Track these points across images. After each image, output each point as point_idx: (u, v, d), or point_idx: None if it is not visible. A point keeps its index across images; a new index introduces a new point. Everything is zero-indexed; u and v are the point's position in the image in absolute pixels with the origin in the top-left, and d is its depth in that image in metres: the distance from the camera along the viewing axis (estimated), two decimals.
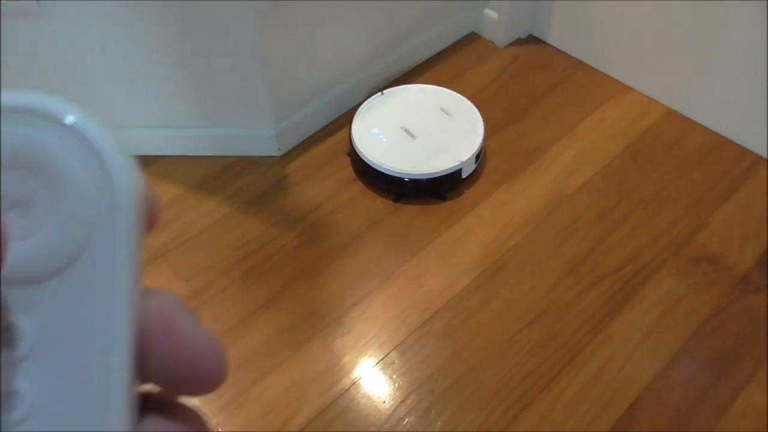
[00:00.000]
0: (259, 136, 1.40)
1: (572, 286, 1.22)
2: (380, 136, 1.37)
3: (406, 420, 1.06)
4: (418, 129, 1.39)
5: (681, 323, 1.17)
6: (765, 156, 1.41)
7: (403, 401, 1.08)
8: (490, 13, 1.65)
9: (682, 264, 1.25)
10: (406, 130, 1.38)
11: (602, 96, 1.55)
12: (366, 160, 1.33)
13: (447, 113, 1.42)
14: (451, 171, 1.32)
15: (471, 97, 1.46)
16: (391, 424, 1.05)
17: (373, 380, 1.11)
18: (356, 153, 1.35)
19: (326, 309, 1.19)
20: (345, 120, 1.49)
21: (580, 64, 1.63)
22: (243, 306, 1.20)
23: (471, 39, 1.71)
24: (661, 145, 1.45)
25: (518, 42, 1.70)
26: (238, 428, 1.05)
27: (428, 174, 1.31)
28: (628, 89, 1.56)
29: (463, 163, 1.32)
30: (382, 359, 1.13)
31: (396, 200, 1.35)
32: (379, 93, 1.46)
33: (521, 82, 1.60)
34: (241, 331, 1.17)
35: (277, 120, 1.38)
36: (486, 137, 1.38)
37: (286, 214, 1.34)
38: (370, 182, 1.37)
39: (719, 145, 1.44)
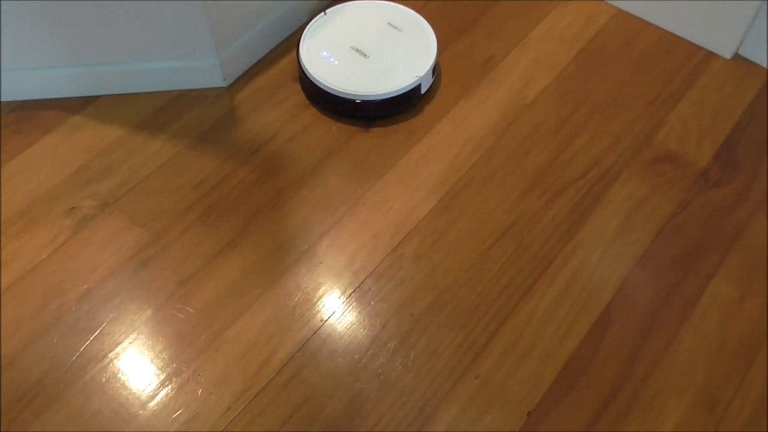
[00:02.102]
0: (201, 67, 1.31)
1: (539, 197, 1.22)
2: (331, 59, 1.31)
3: (389, 344, 1.05)
4: (369, 47, 1.33)
5: (646, 223, 1.19)
6: (715, 51, 1.41)
7: (383, 327, 1.07)
8: None
9: (642, 165, 1.26)
10: (357, 50, 1.32)
11: (550, 2, 1.51)
12: (320, 85, 1.27)
13: (396, 28, 1.36)
14: (411, 87, 1.27)
15: (417, 11, 1.39)
16: (374, 350, 1.05)
17: (351, 309, 1.09)
18: (308, 78, 1.29)
19: (294, 242, 1.16)
20: (291, 43, 1.42)
21: None
22: (206, 247, 1.15)
23: None
24: (613, 47, 1.44)
25: None
26: (219, 371, 1.02)
27: (388, 93, 1.26)
28: None
29: (421, 77, 1.28)
30: (357, 287, 1.11)
31: (366, 126, 1.30)
32: (322, 13, 1.38)
33: None
34: (208, 273, 1.12)
35: (220, 47, 1.30)
36: (438, 52, 1.34)
37: (240, 147, 1.27)
38: (325, 108, 1.31)
39: (670, 43, 1.44)
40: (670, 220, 1.19)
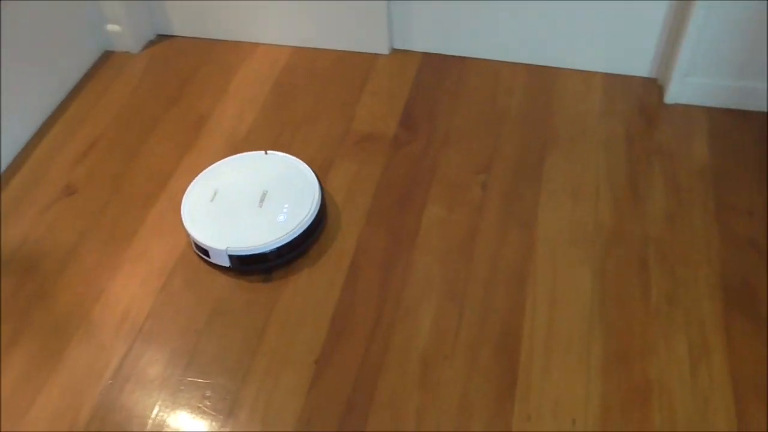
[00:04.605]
0: None
1: None
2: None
3: (181, 362, 1.16)
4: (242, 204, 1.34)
5: (365, 187, 1.42)
6: (376, 52, 1.73)
7: (172, 351, 1.18)
8: (113, 27, 1.77)
9: (348, 149, 1.51)
10: (258, 199, 1.35)
11: (238, 58, 1.77)
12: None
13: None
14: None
15: (126, 101, 1.57)
16: (169, 371, 1.15)
17: (137, 351, 1.18)
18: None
19: (70, 318, 1.24)
20: (15, 165, 1.52)
21: (209, 41, 1.82)
22: None
23: (108, 57, 1.81)
24: (299, 75, 1.71)
25: (150, 44, 1.84)
26: None
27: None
28: (255, 45, 1.80)
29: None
30: (139, 330, 1.21)
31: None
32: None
33: (167, 75, 1.75)
34: None
35: None
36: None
37: None
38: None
39: (341, 58, 1.74)
40: (381, 180, 1.44)
